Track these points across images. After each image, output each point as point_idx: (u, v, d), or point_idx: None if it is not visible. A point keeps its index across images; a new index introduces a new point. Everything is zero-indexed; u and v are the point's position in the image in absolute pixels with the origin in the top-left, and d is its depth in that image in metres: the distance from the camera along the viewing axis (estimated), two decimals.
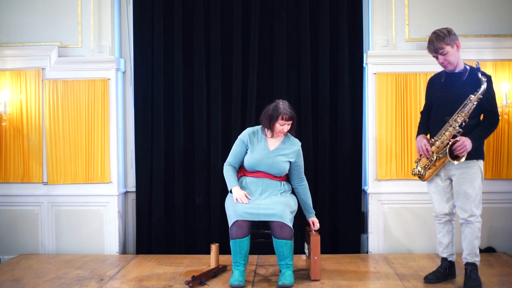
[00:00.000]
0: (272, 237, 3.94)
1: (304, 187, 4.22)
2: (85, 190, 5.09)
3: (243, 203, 3.94)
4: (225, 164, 4.23)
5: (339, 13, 5.05)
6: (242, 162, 4.19)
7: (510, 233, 4.94)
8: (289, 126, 4.10)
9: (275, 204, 3.95)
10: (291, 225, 3.92)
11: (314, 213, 4.26)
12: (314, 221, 4.22)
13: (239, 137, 4.22)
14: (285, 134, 4.16)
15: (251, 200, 3.99)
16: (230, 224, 3.94)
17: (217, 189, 5.05)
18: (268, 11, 5.10)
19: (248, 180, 4.14)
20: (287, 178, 4.25)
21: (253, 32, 5.05)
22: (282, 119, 4.04)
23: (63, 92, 5.06)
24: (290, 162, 4.15)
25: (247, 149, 4.16)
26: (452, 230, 3.98)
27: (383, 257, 4.81)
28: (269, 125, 4.09)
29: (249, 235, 3.94)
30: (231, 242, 3.92)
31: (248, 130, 4.23)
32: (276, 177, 4.12)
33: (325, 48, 5.06)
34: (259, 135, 4.18)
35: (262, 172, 4.10)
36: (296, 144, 4.19)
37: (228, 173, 4.18)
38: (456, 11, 4.99)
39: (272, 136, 4.14)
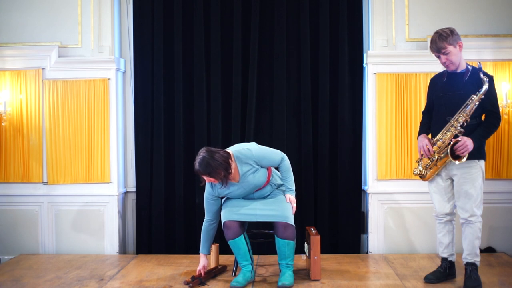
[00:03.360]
0: (275, 236, 3.93)
1: (282, 166, 3.95)
2: (85, 190, 5.08)
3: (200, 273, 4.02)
4: (204, 221, 4.06)
5: (339, 13, 5.06)
6: (220, 208, 4.04)
7: (510, 233, 4.94)
8: (211, 178, 3.73)
9: (275, 204, 3.94)
10: (294, 224, 3.92)
11: (293, 190, 3.97)
12: (290, 199, 3.94)
13: (205, 194, 3.99)
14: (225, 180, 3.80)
15: (246, 202, 3.95)
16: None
17: None
18: (268, 11, 5.10)
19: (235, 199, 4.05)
20: (272, 171, 4.09)
21: (253, 32, 5.05)
22: (196, 174, 3.81)
23: (63, 92, 5.06)
24: (259, 168, 3.92)
25: (219, 198, 4.01)
26: (452, 230, 3.98)
27: (383, 257, 4.81)
28: None
29: (242, 235, 3.92)
30: (229, 244, 3.95)
31: (207, 188, 3.97)
32: (263, 185, 3.99)
33: (325, 48, 5.06)
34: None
35: (250, 195, 4.00)
36: (248, 157, 3.84)
37: (203, 236, 4.06)
38: (456, 11, 4.99)
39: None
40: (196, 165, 3.73)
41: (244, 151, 3.87)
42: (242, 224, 3.95)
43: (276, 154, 3.95)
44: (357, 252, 5.06)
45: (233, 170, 3.80)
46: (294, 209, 3.95)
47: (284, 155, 3.98)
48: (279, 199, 3.99)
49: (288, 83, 5.10)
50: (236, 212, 3.90)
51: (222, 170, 3.71)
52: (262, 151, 3.92)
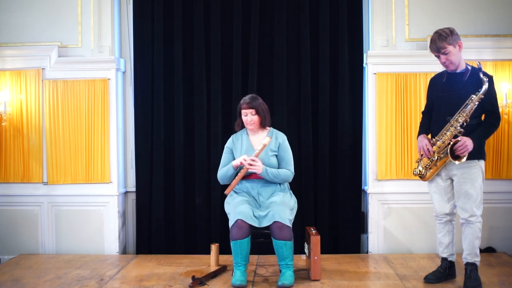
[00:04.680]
0: (272, 238, 3.93)
1: (285, 171, 4.10)
2: (85, 190, 5.08)
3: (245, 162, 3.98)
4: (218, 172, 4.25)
5: (339, 13, 5.06)
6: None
7: (510, 233, 4.94)
8: (254, 116, 4.08)
9: (273, 205, 3.94)
10: (290, 225, 3.91)
11: (266, 173, 4.00)
12: (251, 159, 3.98)
13: (225, 145, 4.26)
14: (263, 126, 4.16)
15: (253, 208, 3.98)
16: (231, 224, 3.92)
17: (217, 189, 5.04)
18: (268, 11, 5.11)
19: (244, 183, 4.12)
20: None
21: (253, 32, 5.05)
22: (243, 108, 4.09)
23: (63, 92, 5.06)
24: (276, 156, 4.14)
25: (233, 154, 4.19)
26: (452, 230, 3.98)
27: (383, 257, 4.81)
28: (240, 121, 4.16)
29: (249, 236, 3.93)
30: (232, 243, 3.91)
31: (232, 137, 4.28)
32: None
33: (325, 48, 5.06)
34: (242, 138, 4.20)
35: (255, 173, 4.07)
36: (278, 138, 4.16)
37: (223, 169, 4.18)
38: (456, 11, 4.99)
39: (251, 130, 4.15)
40: (246, 97, 4.12)
41: (280, 132, 4.21)
42: (251, 226, 3.94)
43: (292, 163, 4.16)
44: (357, 252, 5.06)
45: (266, 128, 4.16)
46: (250, 164, 3.97)
47: (293, 172, 4.17)
48: (277, 200, 3.99)
49: (288, 83, 5.10)
50: (250, 215, 3.89)
51: (265, 111, 4.11)
52: (288, 146, 4.18)
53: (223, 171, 4.17)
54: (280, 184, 4.14)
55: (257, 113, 4.07)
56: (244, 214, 3.87)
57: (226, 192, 4.07)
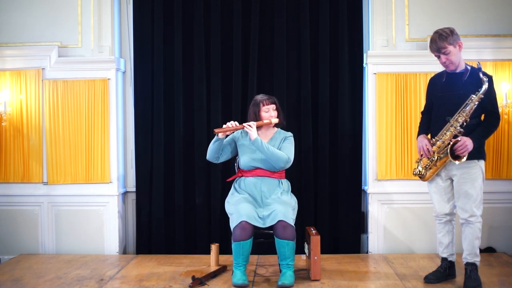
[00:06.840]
0: (275, 236, 3.92)
1: (283, 156, 4.14)
2: (85, 190, 5.08)
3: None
4: None
5: (339, 13, 5.06)
6: (229, 153, 4.24)
7: (510, 233, 4.94)
8: (274, 111, 4.19)
9: (276, 204, 3.95)
10: (293, 224, 3.92)
11: (260, 144, 4.05)
12: (249, 123, 4.10)
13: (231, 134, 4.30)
14: (277, 126, 4.23)
15: (256, 208, 4.00)
16: (233, 225, 3.92)
17: (217, 189, 5.05)
18: (268, 11, 5.10)
19: (246, 181, 4.14)
20: (286, 176, 4.25)
21: (253, 32, 5.05)
22: (264, 105, 4.16)
23: (63, 92, 5.06)
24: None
25: (235, 143, 4.23)
26: (452, 230, 3.98)
27: (383, 257, 4.81)
28: (258, 118, 4.18)
29: (252, 237, 3.93)
30: (234, 244, 3.89)
31: (240, 131, 4.29)
32: (274, 173, 4.12)
33: (325, 48, 5.06)
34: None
35: (259, 169, 4.11)
36: (283, 135, 4.25)
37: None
38: (456, 11, 4.99)
39: (269, 125, 4.22)
40: (261, 95, 4.26)
41: (288, 132, 4.30)
42: (254, 227, 3.94)
43: (291, 152, 4.17)
44: (357, 252, 5.06)
45: (273, 128, 4.24)
46: (245, 127, 4.08)
47: (291, 161, 4.15)
48: (280, 200, 4.00)
49: (288, 83, 5.10)
50: (254, 216, 3.90)
51: (280, 108, 4.25)
52: (293, 142, 4.25)
53: (210, 144, 4.18)
54: (282, 183, 4.14)
55: (276, 109, 4.22)
56: (248, 215, 3.87)
57: (215, 130, 4.10)
